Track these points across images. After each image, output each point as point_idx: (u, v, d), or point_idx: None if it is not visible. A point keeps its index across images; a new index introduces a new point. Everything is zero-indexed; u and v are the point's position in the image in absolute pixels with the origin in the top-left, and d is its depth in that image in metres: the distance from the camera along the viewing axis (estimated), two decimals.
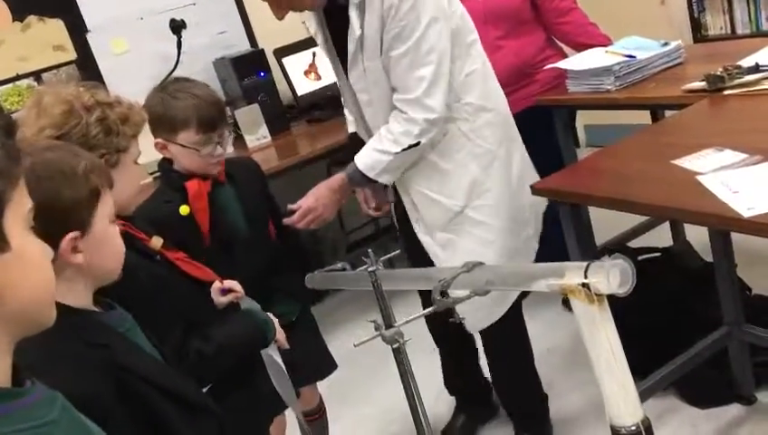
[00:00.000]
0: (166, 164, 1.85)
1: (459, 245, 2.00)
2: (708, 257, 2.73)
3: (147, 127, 1.56)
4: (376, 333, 1.37)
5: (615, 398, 1.05)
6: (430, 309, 1.26)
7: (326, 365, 2.11)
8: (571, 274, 1.02)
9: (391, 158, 1.88)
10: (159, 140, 1.78)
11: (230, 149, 1.89)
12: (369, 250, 1.61)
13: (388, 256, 1.69)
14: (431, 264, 2.02)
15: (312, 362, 2.05)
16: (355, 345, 1.35)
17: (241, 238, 1.89)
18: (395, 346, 1.34)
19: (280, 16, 1.85)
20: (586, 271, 1.00)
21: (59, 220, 1.03)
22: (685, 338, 2.38)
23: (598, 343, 1.03)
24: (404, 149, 1.87)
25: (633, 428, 1.04)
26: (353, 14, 1.79)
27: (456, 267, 1.23)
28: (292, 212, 1.98)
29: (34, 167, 1.01)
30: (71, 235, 1.04)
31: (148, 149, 1.56)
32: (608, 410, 1.07)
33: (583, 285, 1.00)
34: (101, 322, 1.13)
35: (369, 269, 1.45)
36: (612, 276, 0.99)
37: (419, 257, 2.06)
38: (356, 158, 1.93)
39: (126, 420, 1.03)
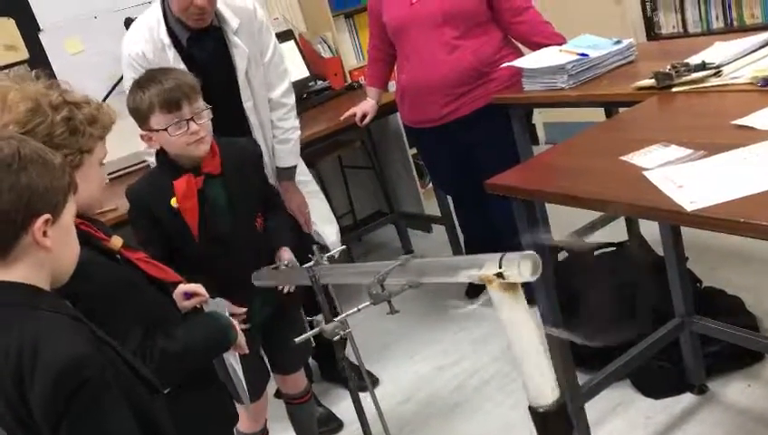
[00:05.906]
0: (162, 156, 1.91)
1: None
2: (661, 251, 2.80)
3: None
4: (317, 328, 1.39)
5: (532, 379, 1.08)
6: (366, 303, 1.29)
7: (300, 359, 2.27)
8: (488, 265, 1.06)
9: (297, 142, 2.53)
10: (142, 132, 1.86)
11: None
12: (315, 246, 1.63)
13: (331, 252, 1.72)
14: None
15: (286, 356, 2.19)
16: (296, 342, 1.36)
17: (226, 235, 1.93)
18: (335, 339, 1.36)
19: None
20: (500, 262, 1.04)
21: (35, 201, 1.06)
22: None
23: (514, 328, 1.07)
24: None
25: (549, 406, 1.07)
26: (235, 39, 2.34)
27: (391, 262, 1.26)
28: None
29: (20, 150, 1.06)
30: (45, 216, 1.07)
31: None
32: (526, 392, 1.10)
33: (498, 274, 1.03)
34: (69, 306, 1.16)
35: (306, 265, 1.46)
36: (523, 267, 1.03)
37: None
38: (283, 162, 2.49)
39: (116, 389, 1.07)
